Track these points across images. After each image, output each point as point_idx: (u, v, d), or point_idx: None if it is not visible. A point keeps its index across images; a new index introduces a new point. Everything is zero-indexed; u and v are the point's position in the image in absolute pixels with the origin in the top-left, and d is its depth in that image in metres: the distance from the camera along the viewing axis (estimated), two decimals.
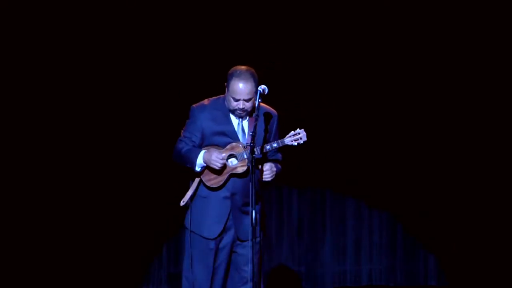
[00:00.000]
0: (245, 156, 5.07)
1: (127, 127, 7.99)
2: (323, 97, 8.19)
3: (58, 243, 7.82)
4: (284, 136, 5.14)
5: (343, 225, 8.41)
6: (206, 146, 5.15)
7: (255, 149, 4.94)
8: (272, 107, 5.35)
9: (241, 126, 5.20)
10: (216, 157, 5.03)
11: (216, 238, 5.17)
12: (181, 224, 8.14)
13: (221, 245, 5.20)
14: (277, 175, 5.22)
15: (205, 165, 5.09)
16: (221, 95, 5.26)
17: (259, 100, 5.00)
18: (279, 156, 5.35)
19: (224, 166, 5.08)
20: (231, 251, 5.24)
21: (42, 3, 7.67)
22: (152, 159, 8.02)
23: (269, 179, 5.15)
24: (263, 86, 5.06)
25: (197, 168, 5.13)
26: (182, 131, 5.27)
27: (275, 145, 5.10)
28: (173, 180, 7.90)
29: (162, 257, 8.27)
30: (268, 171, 5.13)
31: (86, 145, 7.93)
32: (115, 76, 7.93)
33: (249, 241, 4.93)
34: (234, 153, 5.11)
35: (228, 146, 5.13)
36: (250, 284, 4.97)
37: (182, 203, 5.21)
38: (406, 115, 8.19)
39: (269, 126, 5.22)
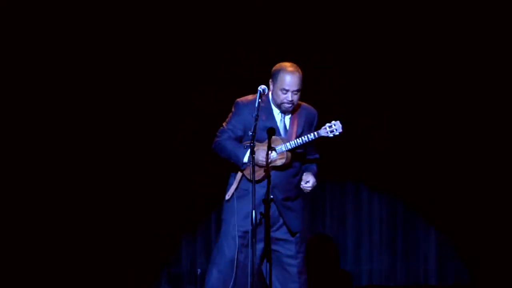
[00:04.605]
0: (284, 150, 5.18)
1: (135, 126, 7.99)
2: (322, 96, 8.19)
3: (58, 244, 7.82)
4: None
5: (343, 225, 8.40)
6: (246, 141, 5.17)
7: (280, 148, 5.14)
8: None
9: (283, 122, 5.31)
10: (263, 157, 5.10)
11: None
12: (180, 224, 8.23)
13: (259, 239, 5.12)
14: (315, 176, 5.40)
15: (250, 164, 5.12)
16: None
17: (259, 100, 5.07)
18: (317, 155, 5.51)
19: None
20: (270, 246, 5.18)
21: (42, 3, 7.67)
22: (155, 160, 8.03)
23: (308, 190, 5.33)
24: (263, 86, 5.16)
25: (243, 166, 5.22)
26: (224, 123, 5.33)
27: (311, 136, 5.20)
28: (174, 180, 7.97)
29: (162, 257, 8.26)
30: (310, 183, 5.31)
31: (92, 145, 7.93)
32: (119, 76, 7.94)
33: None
34: (273, 146, 5.17)
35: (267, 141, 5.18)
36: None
37: (227, 197, 5.28)
38: (407, 113, 8.19)
39: (308, 123, 5.37)
